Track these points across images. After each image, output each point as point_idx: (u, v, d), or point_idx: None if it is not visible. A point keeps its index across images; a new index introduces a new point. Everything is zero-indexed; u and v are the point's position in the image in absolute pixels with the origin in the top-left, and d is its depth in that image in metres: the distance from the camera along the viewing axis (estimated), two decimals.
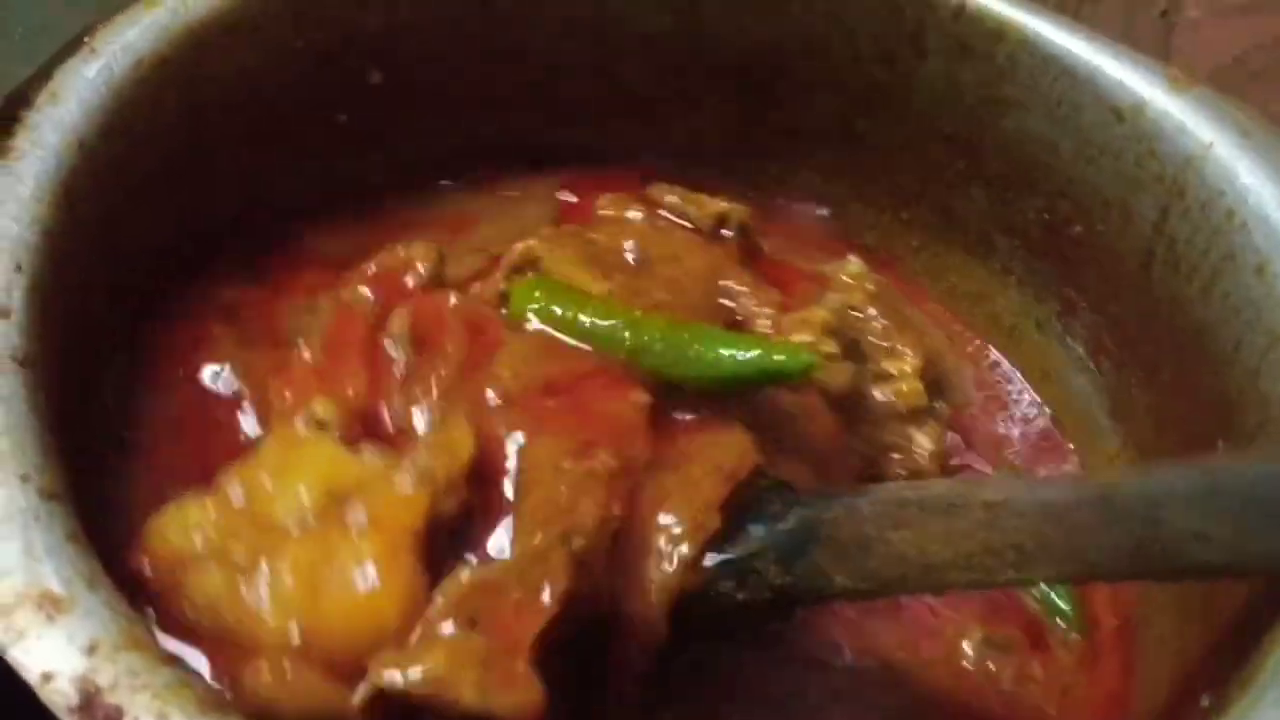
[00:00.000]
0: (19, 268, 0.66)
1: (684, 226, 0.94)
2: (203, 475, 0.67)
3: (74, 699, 0.50)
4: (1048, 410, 0.99)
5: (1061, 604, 0.85)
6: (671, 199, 0.94)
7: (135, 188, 0.79)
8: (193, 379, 0.81)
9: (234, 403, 0.80)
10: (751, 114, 1.08)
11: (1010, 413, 0.99)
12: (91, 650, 0.52)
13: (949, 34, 0.97)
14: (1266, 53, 1.38)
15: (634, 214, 0.93)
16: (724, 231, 0.94)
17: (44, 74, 0.76)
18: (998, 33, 0.95)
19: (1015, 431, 0.97)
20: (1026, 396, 1.00)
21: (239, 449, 0.71)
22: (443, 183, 1.03)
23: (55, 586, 0.54)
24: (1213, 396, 0.83)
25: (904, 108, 1.02)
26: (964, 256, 1.06)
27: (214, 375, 0.81)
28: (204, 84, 0.84)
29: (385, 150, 1.00)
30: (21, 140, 0.72)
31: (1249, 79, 1.36)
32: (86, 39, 0.78)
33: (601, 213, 0.94)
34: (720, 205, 0.94)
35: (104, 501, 0.70)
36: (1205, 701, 0.64)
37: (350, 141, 0.97)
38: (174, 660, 0.53)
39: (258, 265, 0.90)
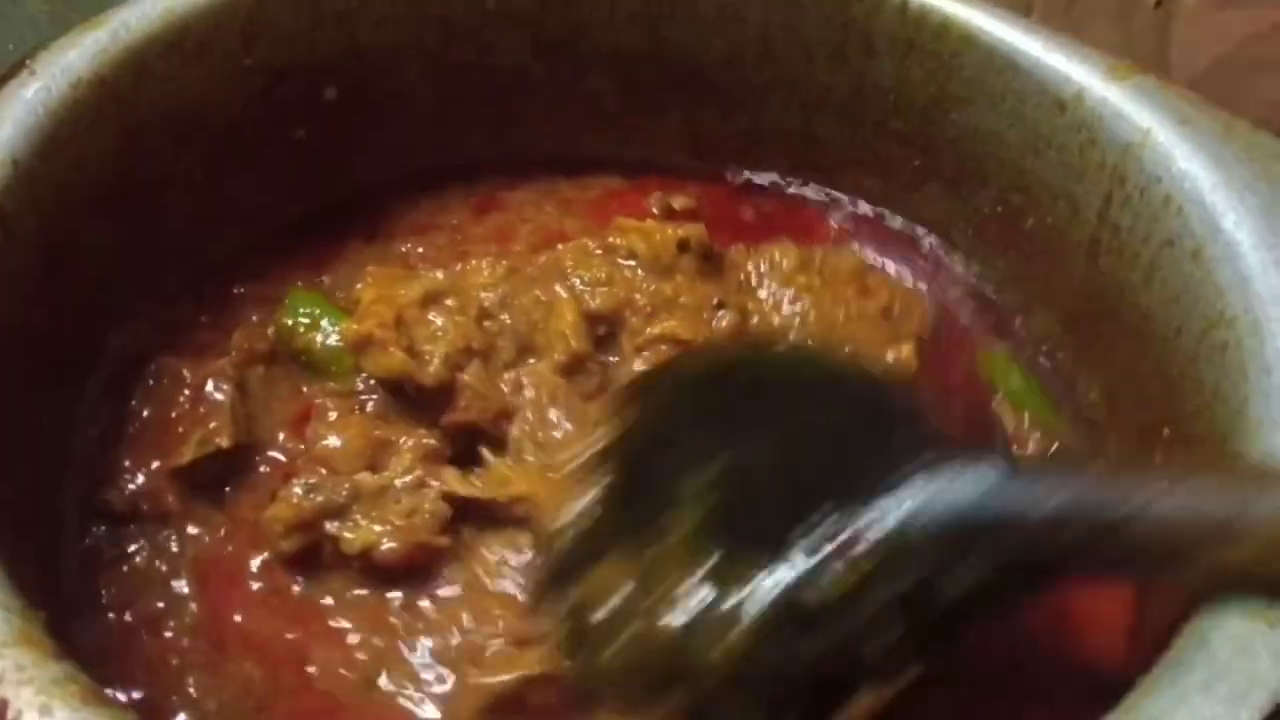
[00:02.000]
0: None
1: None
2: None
3: None
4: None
5: None
6: (632, 239, 0.93)
7: (74, 209, 0.81)
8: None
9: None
10: (712, 120, 1.09)
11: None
12: None
13: (896, 32, 0.97)
14: (1266, 42, 1.36)
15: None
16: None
17: None
18: (943, 28, 0.95)
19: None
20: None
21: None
22: (403, 196, 1.04)
23: None
24: (1157, 382, 0.83)
25: (858, 108, 1.03)
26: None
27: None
28: (146, 105, 0.85)
29: (343, 166, 1.01)
30: None
31: (1249, 68, 1.35)
32: (28, 61, 0.81)
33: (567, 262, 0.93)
34: (678, 232, 0.93)
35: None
36: None
37: (305, 157, 0.99)
38: (64, 656, 0.54)
39: (207, 292, 0.93)
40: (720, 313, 0.90)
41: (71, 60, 0.81)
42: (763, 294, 0.94)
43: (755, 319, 0.92)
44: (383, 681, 0.74)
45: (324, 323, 0.89)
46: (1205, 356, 0.77)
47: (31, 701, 0.51)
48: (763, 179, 1.10)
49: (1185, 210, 0.81)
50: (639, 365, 0.87)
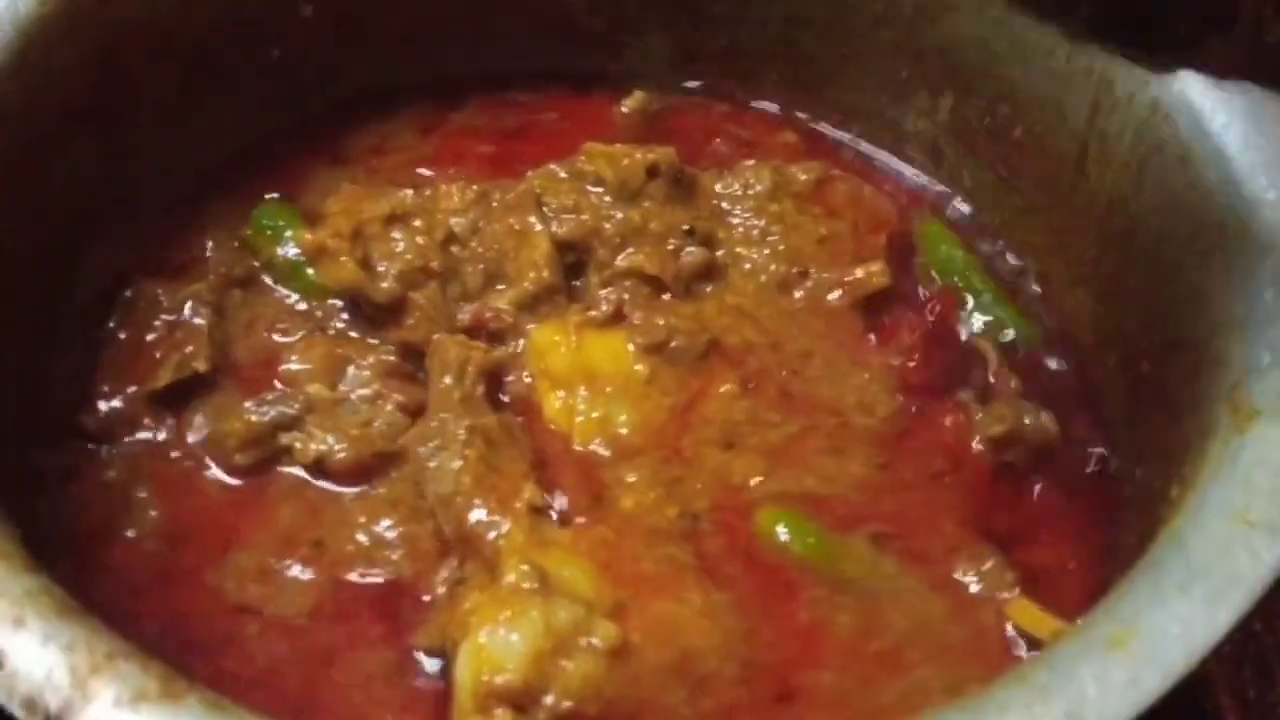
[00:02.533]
0: None
1: None
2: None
3: None
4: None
5: None
6: (600, 165, 0.91)
7: (46, 128, 0.80)
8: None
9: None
10: (693, 36, 1.07)
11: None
12: None
13: None
14: None
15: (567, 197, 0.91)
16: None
17: None
18: None
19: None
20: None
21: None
22: (381, 114, 1.02)
23: None
24: (1145, 291, 0.82)
25: (845, 20, 1.01)
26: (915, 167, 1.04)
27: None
28: (116, 22, 0.84)
29: (321, 84, 1.00)
30: None
31: None
32: None
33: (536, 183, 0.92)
34: (649, 155, 0.91)
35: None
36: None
37: (285, 76, 0.97)
38: (36, 569, 0.54)
39: (181, 211, 0.92)
40: (688, 247, 0.89)
41: None
42: (735, 220, 0.93)
43: (722, 251, 0.91)
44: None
45: (286, 234, 0.90)
46: (1192, 262, 0.77)
47: (4, 614, 0.51)
48: (745, 95, 1.08)
49: (1173, 114, 0.80)
50: (604, 301, 0.87)
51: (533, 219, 0.89)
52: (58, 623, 0.51)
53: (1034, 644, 0.73)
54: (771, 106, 1.07)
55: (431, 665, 0.72)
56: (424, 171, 0.98)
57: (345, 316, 0.87)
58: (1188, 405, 0.73)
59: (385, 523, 0.78)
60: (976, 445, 0.83)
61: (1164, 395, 0.78)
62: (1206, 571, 0.57)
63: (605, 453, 0.81)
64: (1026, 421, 0.83)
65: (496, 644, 0.66)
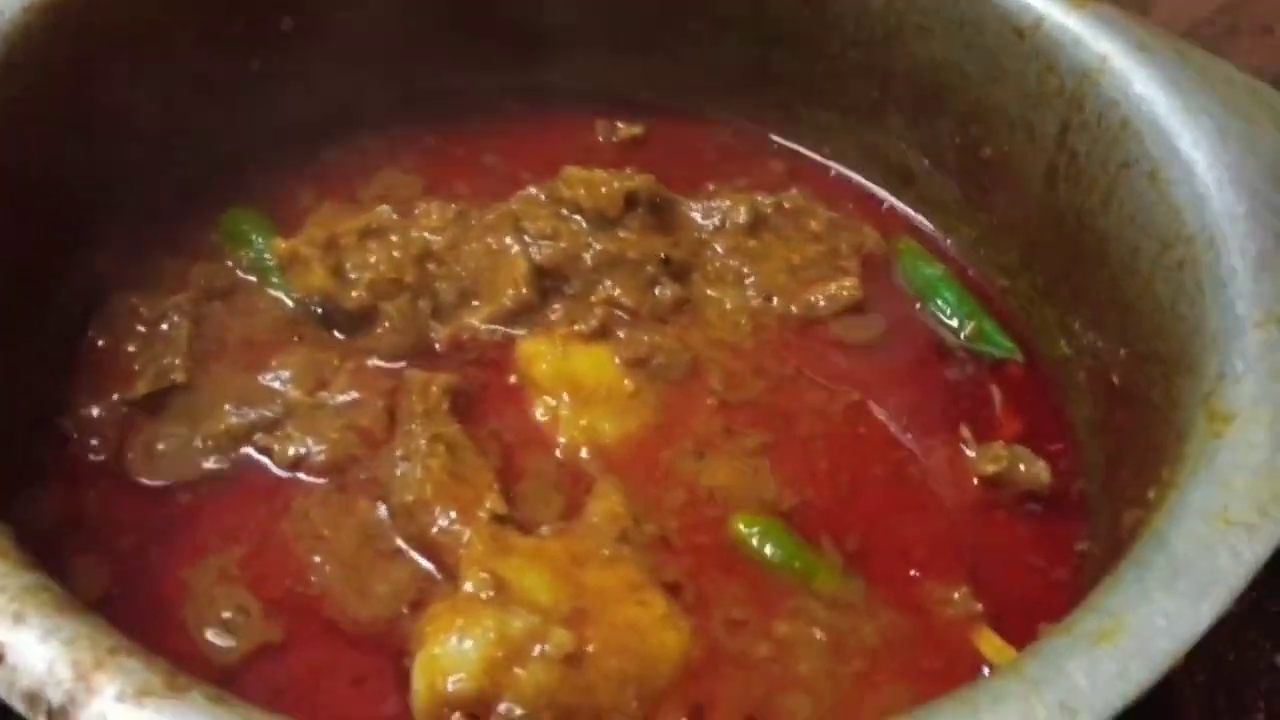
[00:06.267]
0: None
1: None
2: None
3: None
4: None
5: None
6: (579, 192, 0.92)
7: (29, 136, 0.79)
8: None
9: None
10: (669, 55, 1.08)
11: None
12: None
13: None
14: (1240, 10, 1.37)
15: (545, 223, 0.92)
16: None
17: None
18: None
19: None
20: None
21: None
22: (357, 129, 1.03)
23: None
24: (1114, 306, 0.84)
25: (818, 41, 1.03)
26: (886, 187, 1.06)
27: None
28: (100, 31, 0.84)
29: (299, 98, 1.00)
30: None
31: (1226, 33, 1.36)
32: None
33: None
34: (627, 184, 0.93)
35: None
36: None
37: (265, 89, 0.98)
38: (34, 566, 0.54)
39: (163, 220, 0.92)
40: (661, 283, 0.91)
41: None
42: (714, 251, 0.95)
43: (698, 281, 0.93)
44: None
45: (256, 239, 0.91)
46: (1162, 276, 0.78)
47: (4, 609, 0.51)
48: (719, 115, 1.10)
49: (1142, 133, 0.82)
50: (591, 316, 0.88)
51: (510, 240, 0.90)
52: (58, 618, 0.51)
53: None
54: (748, 126, 1.09)
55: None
56: (398, 187, 0.99)
57: (325, 325, 0.88)
58: (1160, 413, 0.75)
59: None
60: (962, 476, 0.85)
61: (1135, 404, 0.80)
62: (1189, 568, 0.59)
63: (587, 461, 0.82)
64: (1021, 468, 0.84)
65: (449, 652, 0.67)
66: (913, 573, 0.80)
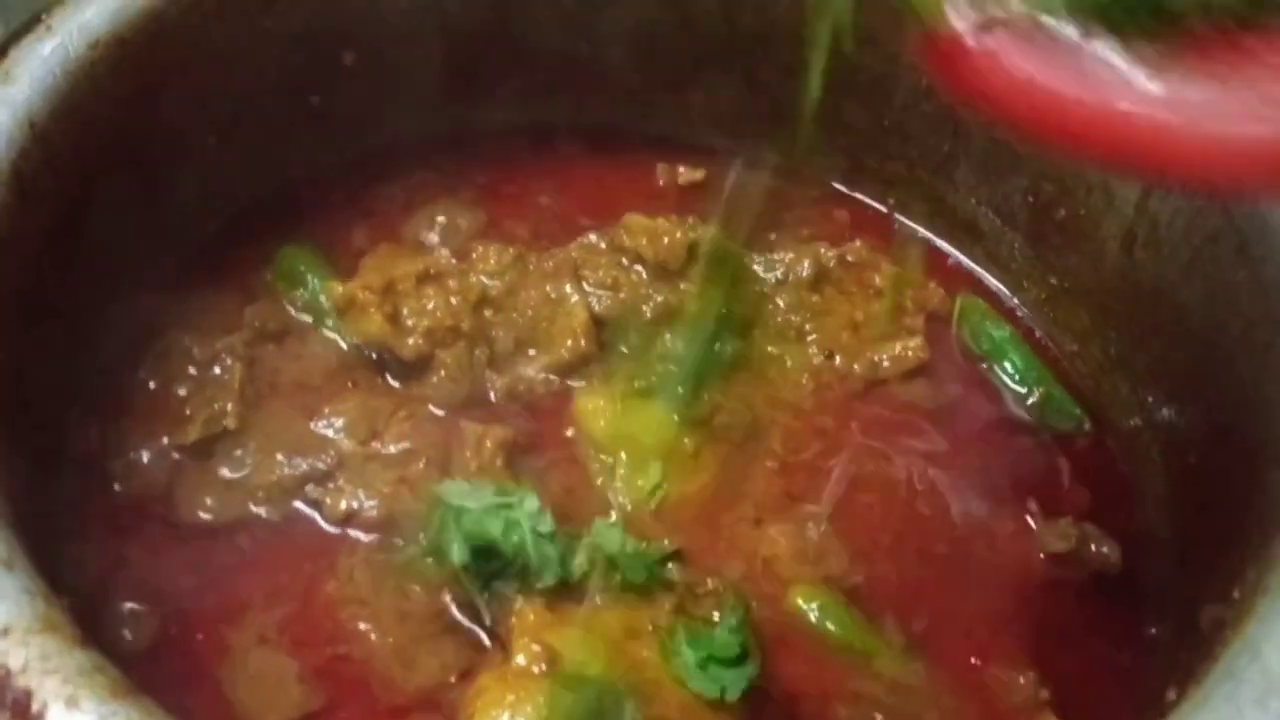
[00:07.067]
0: None
1: None
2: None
3: None
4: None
5: None
6: (640, 242, 0.91)
7: (90, 172, 0.78)
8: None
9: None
10: (734, 99, 1.06)
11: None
12: (4, 633, 0.51)
13: None
14: None
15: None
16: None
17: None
18: None
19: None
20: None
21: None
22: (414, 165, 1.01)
23: None
24: (1193, 381, 0.82)
25: (888, 90, 1.00)
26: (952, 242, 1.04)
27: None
28: (164, 67, 0.83)
29: (357, 133, 0.98)
30: None
31: None
32: (44, 17, 0.78)
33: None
34: (689, 235, 0.91)
35: None
36: None
37: (322, 124, 0.96)
38: (89, 644, 0.52)
39: (217, 259, 0.91)
40: (721, 339, 0.89)
41: (89, 18, 0.78)
42: (775, 305, 0.93)
43: (758, 337, 0.91)
44: None
45: (310, 279, 0.89)
46: (1246, 354, 0.76)
47: (58, 692, 0.49)
48: (788, 162, 1.08)
49: (1230, 206, 0.79)
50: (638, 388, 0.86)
51: (569, 288, 0.88)
52: (113, 703, 0.49)
53: None
54: (811, 174, 1.06)
55: None
56: (452, 226, 0.97)
57: (379, 370, 0.86)
58: (1242, 501, 0.72)
59: None
60: (1028, 552, 0.82)
61: (1214, 487, 0.77)
62: None
63: (645, 524, 0.80)
64: (1092, 547, 0.82)
65: None
66: (973, 660, 0.77)
